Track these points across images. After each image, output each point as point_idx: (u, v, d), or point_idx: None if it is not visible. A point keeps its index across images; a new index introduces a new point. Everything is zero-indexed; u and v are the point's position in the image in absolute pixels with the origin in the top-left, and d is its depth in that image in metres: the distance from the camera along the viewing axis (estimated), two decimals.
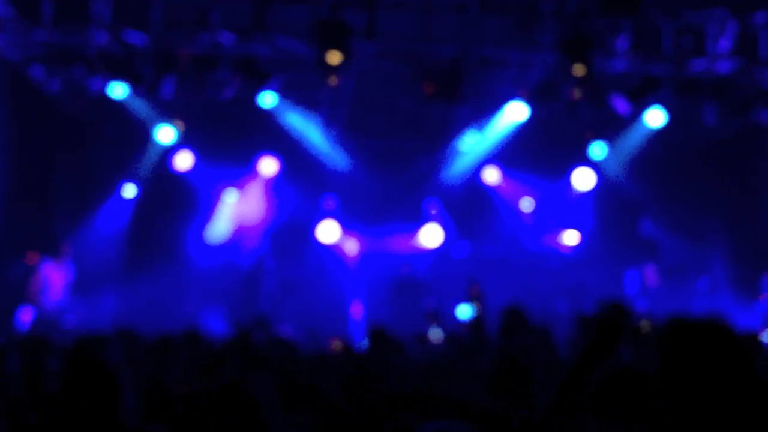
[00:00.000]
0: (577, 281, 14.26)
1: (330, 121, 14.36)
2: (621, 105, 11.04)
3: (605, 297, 3.14)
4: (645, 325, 7.98)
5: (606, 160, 15.54)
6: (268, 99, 13.32)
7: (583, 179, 15.79)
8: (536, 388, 4.58)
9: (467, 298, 7.24)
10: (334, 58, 9.69)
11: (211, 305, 13.86)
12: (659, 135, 14.36)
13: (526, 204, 15.67)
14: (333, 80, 10.08)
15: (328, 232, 15.33)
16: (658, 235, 15.45)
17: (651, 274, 12.32)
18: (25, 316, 11.62)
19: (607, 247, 15.19)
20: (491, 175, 15.93)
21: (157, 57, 10.39)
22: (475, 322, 10.52)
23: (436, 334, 7.45)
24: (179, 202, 15.40)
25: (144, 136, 15.04)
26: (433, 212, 15.98)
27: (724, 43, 10.67)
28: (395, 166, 15.93)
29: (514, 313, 6.91)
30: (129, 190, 15.31)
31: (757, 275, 13.41)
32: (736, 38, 10.54)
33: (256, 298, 14.22)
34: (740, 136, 13.71)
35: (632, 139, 14.65)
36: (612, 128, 14.67)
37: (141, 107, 13.86)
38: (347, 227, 15.34)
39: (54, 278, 11.90)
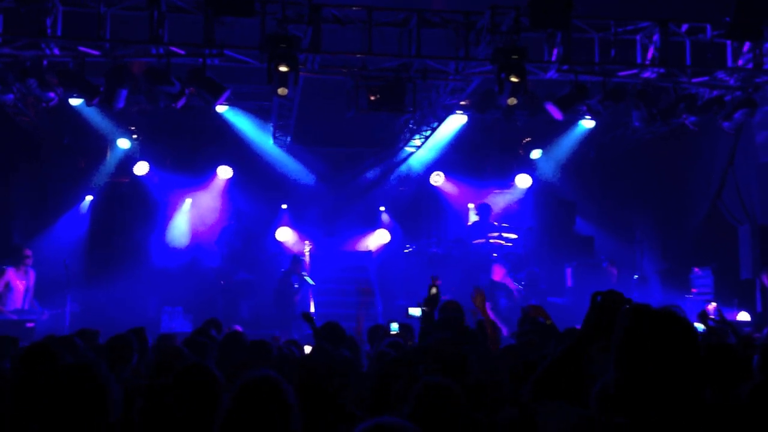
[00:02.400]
0: (518, 276, 14.48)
1: (280, 130, 14.37)
2: (554, 111, 11.23)
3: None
4: None
5: (543, 162, 15.85)
6: (220, 109, 13.32)
7: (522, 182, 16.09)
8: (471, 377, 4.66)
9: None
10: (282, 70, 9.73)
11: (170, 306, 13.78)
12: (591, 138, 14.69)
13: (471, 206, 15.89)
14: (282, 91, 10.09)
15: (282, 236, 15.36)
16: (592, 232, 15.78)
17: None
18: None
19: (546, 243, 15.46)
20: (437, 180, 16.13)
21: (110, 69, 10.28)
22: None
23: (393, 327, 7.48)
24: (137, 209, 15.30)
25: (101, 145, 14.93)
26: (383, 216, 16.12)
27: (651, 53, 10.95)
28: (344, 172, 16.04)
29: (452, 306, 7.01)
30: (87, 199, 15.18)
31: (686, 270, 13.75)
32: (661, 48, 10.81)
33: (212, 300, 14.18)
34: (667, 138, 14.05)
35: (566, 143, 14.96)
36: (547, 133, 14.97)
37: (96, 118, 13.74)
38: (300, 232, 15.38)
39: (16, 284, 11.70)
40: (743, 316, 11.14)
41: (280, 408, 3.19)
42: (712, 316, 8.25)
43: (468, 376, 4.52)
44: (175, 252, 15.20)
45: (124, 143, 14.84)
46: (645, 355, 2.40)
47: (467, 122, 13.94)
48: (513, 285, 12.93)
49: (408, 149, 15.59)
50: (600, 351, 3.16)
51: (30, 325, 10.75)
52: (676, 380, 2.38)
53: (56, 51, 10.25)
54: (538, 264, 14.66)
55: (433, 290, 6.26)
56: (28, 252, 12.04)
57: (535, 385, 2.94)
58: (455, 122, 13.98)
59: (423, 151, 15.43)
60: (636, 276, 14.93)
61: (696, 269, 13.48)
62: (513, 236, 14.93)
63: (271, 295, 13.78)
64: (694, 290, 13.41)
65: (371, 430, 2.68)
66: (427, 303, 6.59)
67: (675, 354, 2.40)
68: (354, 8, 10.29)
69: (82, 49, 10.22)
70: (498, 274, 13.16)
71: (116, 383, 3.44)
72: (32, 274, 11.99)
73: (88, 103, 10.91)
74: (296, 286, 13.41)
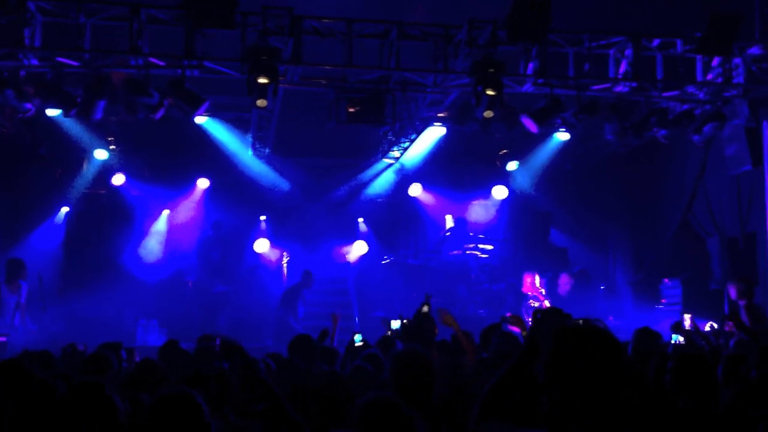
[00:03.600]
0: (494, 287, 14.55)
1: (260, 142, 14.33)
2: (530, 124, 11.33)
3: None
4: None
5: (519, 174, 15.97)
6: (199, 120, 13.26)
7: (499, 193, 16.19)
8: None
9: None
10: (262, 81, 9.72)
11: (147, 319, 13.64)
12: (566, 150, 14.84)
13: (448, 217, 15.95)
14: (262, 103, 10.08)
15: (261, 248, 15.29)
16: (567, 243, 15.92)
17: (563, 282, 12.62)
18: None
19: (521, 254, 15.57)
20: (415, 191, 16.19)
21: (88, 80, 10.19)
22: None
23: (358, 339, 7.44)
24: (113, 221, 15.14)
25: (78, 156, 14.77)
26: (361, 227, 16.12)
27: (623, 67, 11.11)
28: (323, 183, 16.03)
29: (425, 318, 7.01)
30: (62, 210, 15.00)
31: (657, 281, 13.90)
32: (633, 62, 10.98)
33: (189, 313, 14.05)
34: (639, 151, 14.24)
35: (541, 155, 15.10)
36: (523, 145, 15.09)
37: (74, 128, 13.60)
38: (278, 243, 15.32)
39: (6, 299, 11.51)
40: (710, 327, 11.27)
41: (195, 426, 3.17)
42: (688, 328, 8.34)
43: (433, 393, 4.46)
44: (152, 264, 15.06)
45: (101, 154, 14.69)
46: (569, 374, 2.37)
47: (445, 134, 14.02)
48: (542, 297, 12.52)
49: (387, 160, 15.63)
50: None
51: (2, 339, 10.54)
52: (602, 395, 2.34)
53: (34, 61, 10.14)
54: (513, 275, 14.74)
55: (425, 308, 6.19)
56: (22, 268, 11.86)
57: (481, 407, 2.89)
58: (434, 134, 14.05)
59: (402, 162, 15.48)
60: (602, 287, 15.05)
61: (666, 280, 13.64)
62: (489, 247, 15.00)
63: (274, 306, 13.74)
64: (663, 301, 13.56)
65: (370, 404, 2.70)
66: (415, 318, 6.58)
67: (598, 370, 2.36)
68: (334, 20, 10.31)
69: (60, 59, 10.12)
70: (528, 285, 12.69)
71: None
72: (25, 288, 11.80)
73: (65, 114, 10.79)
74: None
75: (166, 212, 15.46)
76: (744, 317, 9.64)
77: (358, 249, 15.92)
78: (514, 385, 2.86)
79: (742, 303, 9.84)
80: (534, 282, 11.99)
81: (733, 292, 10.04)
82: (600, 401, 2.33)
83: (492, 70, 10.05)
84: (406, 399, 3.82)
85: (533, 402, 2.84)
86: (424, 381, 4.25)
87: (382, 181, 16.07)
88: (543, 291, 11.91)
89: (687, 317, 8.85)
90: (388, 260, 15.43)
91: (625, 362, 2.42)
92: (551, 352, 2.44)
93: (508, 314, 7.88)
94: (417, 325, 6.76)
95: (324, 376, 5.08)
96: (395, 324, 7.31)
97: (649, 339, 7.08)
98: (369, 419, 3.15)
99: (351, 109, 10.77)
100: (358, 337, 7.38)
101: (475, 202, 16.31)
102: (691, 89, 11.64)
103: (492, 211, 16.31)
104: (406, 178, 15.87)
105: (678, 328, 8.30)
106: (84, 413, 3.33)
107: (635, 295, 14.81)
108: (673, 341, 7.85)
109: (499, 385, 2.88)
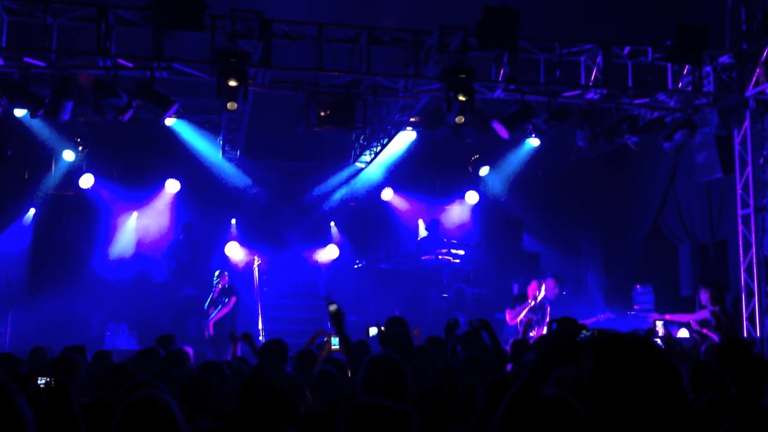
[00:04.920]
0: (466, 292, 14.58)
1: (230, 144, 14.28)
2: (501, 130, 11.39)
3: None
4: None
5: (491, 179, 16.05)
6: (169, 122, 13.18)
7: (471, 198, 16.26)
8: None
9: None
10: (231, 84, 9.69)
11: (114, 323, 13.54)
12: (537, 156, 14.93)
13: (420, 222, 15.99)
14: (232, 106, 10.04)
15: (231, 251, 15.22)
16: (539, 248, 16.00)
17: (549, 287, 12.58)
18: None
19: (493, 259, 15.63)
20: (387, 195, 16.21)
21: (56, 81, 10.10)
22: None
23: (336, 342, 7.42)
24: (82, 222, 15.01)
25: (45, 157, 14.63)
26: (333, 231, 16.10)
27: (594, 74, 11.21)
28: (294, 187, 16.00)
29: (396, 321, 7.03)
30: (30, 212, 14.85)
31: (629, 287, 14.02)
32: (604, 69, 11.07)
33: (158, 316, 13.97)
34: (610, 158, 14.36)
35: (513, 161, 15.18)
36: (495, 151, 15.17)
37: (41, 129, 13.47)
38: (248, 246, 15.26)
39: None
40: (683, 333, 11.40)
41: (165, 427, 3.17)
42: (662, 334, 8.44)
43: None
44: (121, 267, 14.94)
45: (69, 155, 14.56)
46: (621, 396, 2.15)
47: (417, 139, 14.07)
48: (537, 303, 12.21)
49: (358, 165, 15.64)
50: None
51: None
52: (663, 421, 2.13)
53: (1, 61, 10.03)
54: (485, 280, 14.81)
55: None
56: None
57: (501, 420, 2.73)
58: (405, 139, 14.08)
59: (373, 166, 15.49)
60: (565, 292, 15.11)
61: (637, 286, 13.75)
62: (461, 252, 15.05)
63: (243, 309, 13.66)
64: (636, 306, 13.67)
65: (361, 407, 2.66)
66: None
67: (658, 391, 2.14)
68: (305, 24, 10.30)
69: (27, 59, 10.02)
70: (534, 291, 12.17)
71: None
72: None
73: (32, 114, 10.68)
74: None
75: (135, 214, 15.35)
76: (716, 321, 9.79)
77: (329, 253, 15.92)
78: (532, 396, 2.72)
79: (714, 308, 9.96)
80: (538, 291, 11.63)
81: (704, 297, 10.16)
82: (652, 415, 2.14)
83: (463, 75, 10.10)
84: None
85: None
86: (397, 388, 4.24)
87: (354, 186, 16.07)
88: (540, 297, 11.69)
89: (659, 324, 8.95)
90: (360, 265, 15.43)
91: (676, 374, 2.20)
92: (595, 366, 2.22)
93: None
94: (385, 327, 6.77)
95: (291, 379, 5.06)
96: (373, 331, 7.30)
97: None
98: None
99: (321, 113, 10.77)
100: (335, 340, 7.33)
101: (452, 204, 16.36)
102: (661, 97, 11.76)
103: (467, 215, 16.38)
104: (378, 182, 15.88)
105: (652, 333, 8.39)
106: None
107: (607, 301, 14.92)
108: None
109: (517, 398, 2.74)
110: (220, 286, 13.08)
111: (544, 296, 11.63)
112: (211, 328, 12.85)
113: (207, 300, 13.09)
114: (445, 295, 13.93)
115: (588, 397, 2.22)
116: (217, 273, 13.28)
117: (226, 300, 13.01)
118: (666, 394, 2.14)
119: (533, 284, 11.58)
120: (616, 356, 2.19)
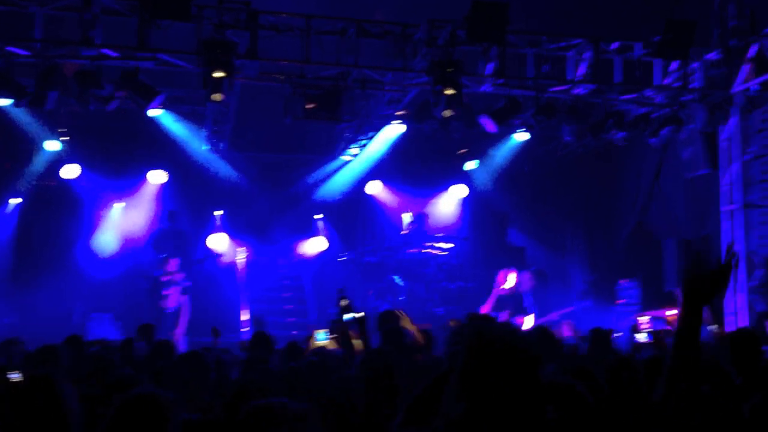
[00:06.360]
0: (451, 286, 14.63)
1: (215, 136, 14.21)
2: (488, 124, 11.41)
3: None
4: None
5: (478, 173, 16.07)
6: (154, 113, 13.08)
7: (458, 192, 16.28)
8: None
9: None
10: (218, 75, 9.65)
11: (99, 313, 13.48)
12: (524, 151, 14.96)
13: (406, 215, 15.98)
14: (218, 97, 10.00)
15: (217, 243, 15.16)
16: (524, 243, 16.06)
17: (525, 280, 12.63)
18: None
19: (479, 253, 15.66)
20: (374, 188, 16.20)
21: (40, 70, 10.01)
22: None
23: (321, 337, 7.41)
24: (66, 213, 14.89)
25: (28, 147, 14.49)
26: (319, 224, 16.08)
27: (582, 69, 11.24)
28: (280, 179, 15.95)
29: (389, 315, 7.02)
30: (12, 202, 14.73)
31: (614, 281, 14.10)
32: (592, 65, 11.11)
33: (142, 306, 13.89)
34: (597, 153, 14.41)
35: (500, 155, 15.21)
36: (483, 145, 15.18)
37: (24, 119, 13.33)
38: (235, 238, 15.22)
39: None
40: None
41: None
42: (648, 328, 8.51)
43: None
44: (104, 258, 14.85)
45: (52, 145, 14.42)
46: (485, 383, 2.31)
47: (404, 132, 14.04)
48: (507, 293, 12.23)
49: (345, 157, 15.61)
50: None
51: None
52: (517, 405, 2.29)
53: None
54: (471, 273, 14.84)
55: (343, 302, 6.15)
56: None
57: (406, 412, 2.79)
58: (392, 132, 14.05)
59: (360, 159, 15.46)
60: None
61: (622, 281, 13.83)
62: (447, 246, 15.06)
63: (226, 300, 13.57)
64: (620, 301, 13.76)
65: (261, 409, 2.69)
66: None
67: (514, 378, 2.31)
68: (292, 16, 10.26)
69: (10, 48, 9.92)
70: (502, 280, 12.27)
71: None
72: None
73: (16, 104, 10.59)
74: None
75: (119, 205, 15.25)
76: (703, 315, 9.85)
77: (315, 245, 15.90)
78: (440, 392, 2.76)
79: None
80: (505, 279, 11.83)
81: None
82: (512, 413, 2.28)
83: (451, 69, 10.11)
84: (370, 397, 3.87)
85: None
86: (389, 384, 4.24)
87: (340, 178, 16.04)
88: (510, 287, 11.80)
89: (645, 319, 9.02)
90: (344, 257, 15.42)
91: (537, 372, 2.36)
92: (464, 360, 2.38)
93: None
94: (380, 323, 6.74)
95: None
96: (347, 316, 7.22)
97: (602, 339, 7.23)
98: None
99: (308, 106, 10.73)
100: (321, 335, 7.31)
101: (439, 198, 16.37)
102: (648, 93, 11.82)
103: (454, 208, 16.40)
104: (364, 175, 15.85)
105: (636, 329, 8.48)
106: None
107: (592, 295, 14.99)
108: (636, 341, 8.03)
109: (428, 391, 2.80)
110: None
111: (522, 288, 11.79)
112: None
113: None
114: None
115: (460, 377, 2.36)
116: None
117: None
118: (517, 377, 2.31)
119: (501, 273, 11.75)
120: (481, 343, 2.37)
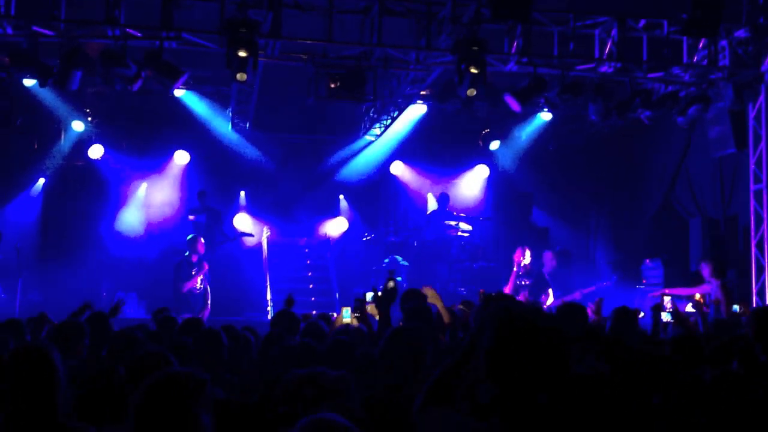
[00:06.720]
0: (474, 266, 14.59)
1: (239, 116, 14.23)
2: (513, 103, 11.30)
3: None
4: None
5: (501, 153, 15.97)
6: (178, 93, 13.13)
7: (481, 172, 16.21)
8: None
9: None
10: (242, 54, 9.63)
11: (123, 292, 13.59)
12: (549, 130, 14.84)
13: (430, 196, 15.95)
14: (242, 76, 9.98)
15: (240, 222, 15.23)
16: (548, 223, 15.97)
17: (547, 260, 12.60)
18: None
19: (502, 233, 15.60)
20: (397, 169, 16.17)
21: (65, 50, 10.05)
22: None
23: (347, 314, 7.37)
24: (91, 193, 15.04)
25: (54, 127, 14.63)
26: (341, 204, 16.10)
27: (608, 47, 11.09)
28: (304, 159, 15.97)
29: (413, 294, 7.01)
30: (39, 182, 14.90)
31: (638, 262, 13.98)
32: (618, 42, 10.95)
33: (167, 285, 13.98)
34: (623, 132, 14.25)
35: (524, 135, 15.10)
36: (506, 124, 15.07)
37: (51, 99, 13.44)
38: (258, 218, 15.28)
39: None
40: (691, 308, 11.39)
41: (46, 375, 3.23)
42: (670, 308, 8.41)
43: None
44: (130, 237, 14.98)
45: (78, 126, 14.55)
46: (513, 362, 2.32)
47: (427, 112, 13.97)
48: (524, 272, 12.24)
49: (368, 137, 15.57)
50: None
51: None
52: (544, 383, 2.31)
53: (9, 30, 9.99)
54: (494, 253, 14.80)
55: (390, 284, 6.14)
56: None
57: (427, 393, 2.79)
58: (416, 111, 14.00)
59: (383, 139, 15.43)
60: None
61: (647, 260, 13.71)
62: (469, 227, 15.02)
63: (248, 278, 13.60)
64: (644, 281, 13.65)
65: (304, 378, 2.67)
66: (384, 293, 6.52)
67: (542, 359, 2.31)
68: None
69: (35, 29, 9.97)
70: (519, 258, 12.17)
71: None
72: None
73: (41, 84, 10.67)
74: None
75: (144, 185, 15.36)
76: (720, 295, 9.78)
77: (338, 225, 15.93)
78: (461, 373, 2.76)
79: (716, 282, 9.95)
80: (523, 255, 12.00)
81: (706, 271, 10.16)
82: (545, 391, 2.29)
83: (475, 48, 9.98)
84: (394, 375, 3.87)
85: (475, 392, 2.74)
86: (415, 361, 4.23)
87: (363, 159, 16.02)
88: (526, 266, 11.94)
89: (667, 299, 8.92)
90: (369, 237, 15.43)
91: (566, 352, 2.36)
92: (494, 341, 2.37)
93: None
94: (404, 300, 6.72)
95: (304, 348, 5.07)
96: (369, 295, 7.19)
97: (626, 318, 7.16)
98: None
99: (332, 85, 10.68)
100: (346, 312, 7.28)
101: (462, 178, 16.30)
102: (676, 71, 11.63)
103: (477, 188, 16.34)
104: (387, 155, 15.82)
105: (659, 309, 8.38)
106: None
107: (616, 275, 14.86)
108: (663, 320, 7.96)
109: (450, 371, 2.78)
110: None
111: (545, 268, 11.88)
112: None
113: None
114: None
115: (487, 359, 2.36)
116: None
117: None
118: (548, 358, 2.31)
119: (518, 251, 11.87)
120: (510, 324, 2.36)
